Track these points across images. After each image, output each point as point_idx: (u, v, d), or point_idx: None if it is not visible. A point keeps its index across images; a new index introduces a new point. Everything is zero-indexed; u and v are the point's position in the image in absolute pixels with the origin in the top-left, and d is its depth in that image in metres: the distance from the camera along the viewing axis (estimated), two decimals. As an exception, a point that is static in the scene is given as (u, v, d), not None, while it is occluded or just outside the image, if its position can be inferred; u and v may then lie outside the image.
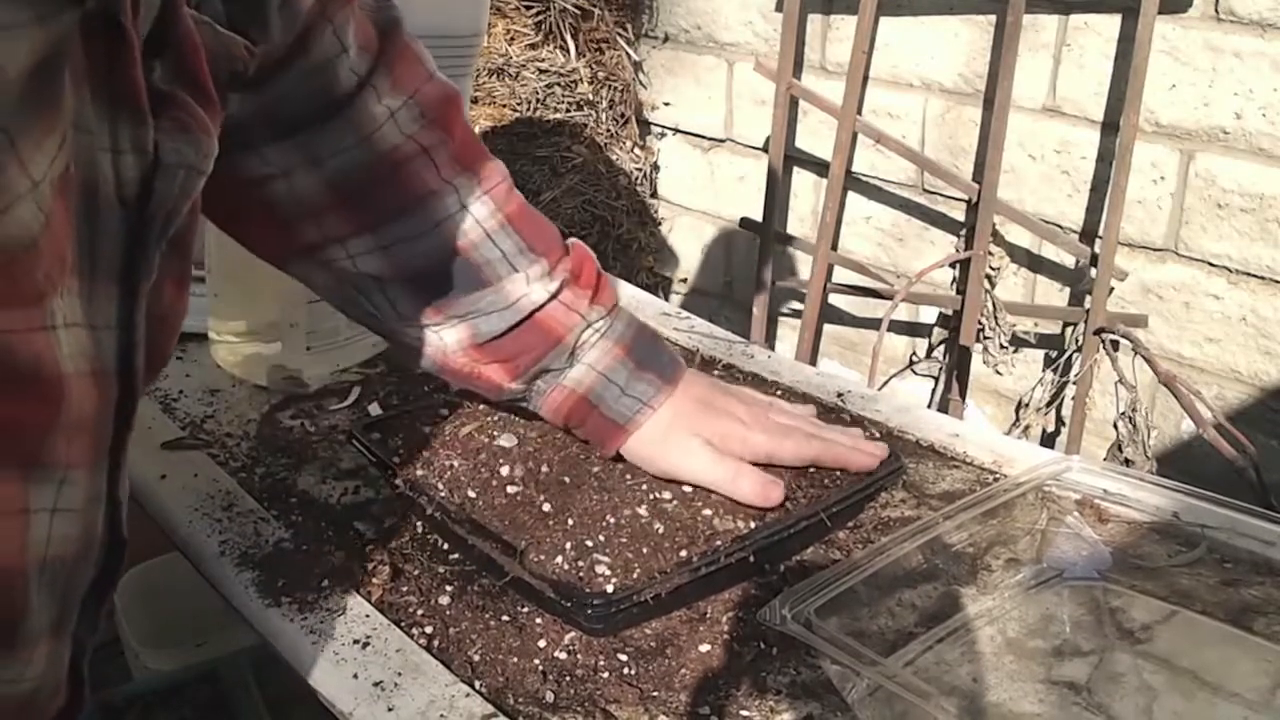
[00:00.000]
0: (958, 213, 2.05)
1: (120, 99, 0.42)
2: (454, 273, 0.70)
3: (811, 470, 0.74)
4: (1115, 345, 1.80)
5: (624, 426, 0.72)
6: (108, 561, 0.48)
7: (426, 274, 0.70)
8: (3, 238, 0.36)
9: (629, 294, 1.11)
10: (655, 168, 2.60)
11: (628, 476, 0.72)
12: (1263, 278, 1.70)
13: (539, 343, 0.71)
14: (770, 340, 2.34)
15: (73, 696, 0.50)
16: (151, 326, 0.47)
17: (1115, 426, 1.79)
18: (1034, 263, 1.98)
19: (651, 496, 0.70)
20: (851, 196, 2.20)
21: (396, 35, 0.71)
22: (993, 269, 1.97)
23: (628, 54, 2.52)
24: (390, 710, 0.57)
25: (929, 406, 2.06)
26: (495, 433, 0.75)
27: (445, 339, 0.71)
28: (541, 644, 0.62)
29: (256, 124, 0.66)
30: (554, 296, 0.71)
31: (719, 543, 0.65)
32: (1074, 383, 1.89)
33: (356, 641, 0.62)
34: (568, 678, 0.60)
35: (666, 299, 2.60)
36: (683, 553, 0.65)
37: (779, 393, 0.89)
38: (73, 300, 0.42)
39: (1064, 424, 1.94)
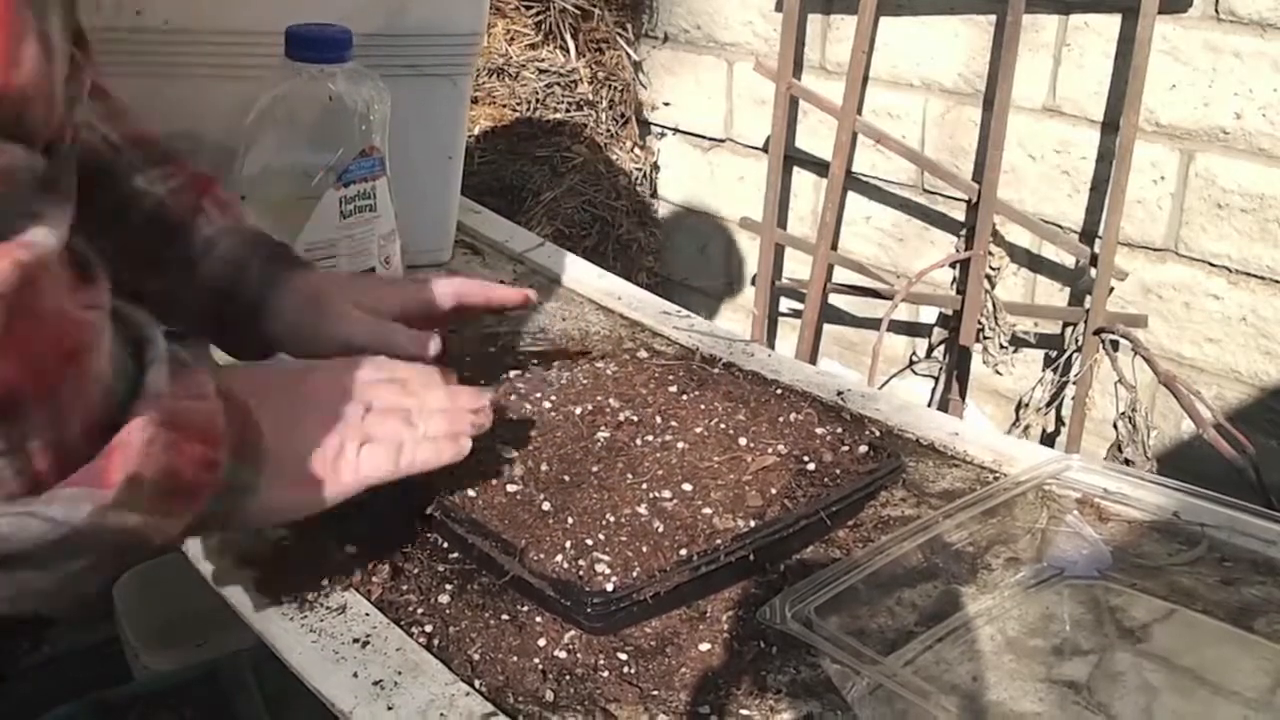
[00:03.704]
0: (958, 213, 2.05)
1: None
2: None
3: (811, 469, 0.74)
4: (1115, 345, 1.80)
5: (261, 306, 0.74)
6: None
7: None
8: None
9: (629, 293, 1.11)
10: (655, 168, 2.60)
11: (628, 476, 0.72)
12: (1263, 278, 1.70)
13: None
14: (770, 340, 2.34)
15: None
16: None
17: (1115, 426, 1.79)
18: (1034, 263, 1.98)
19: (651, 495, 0.70)
20: (851, 196, 2.20)
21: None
22: (993, 269, 1.97)
23: (628, 54, 2.52)
24: (390, 709, 0.57)
25: (929, 406, 2.06)
26: (496, 432, 0.75)
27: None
28: (541, 643, 0.62)
29: None
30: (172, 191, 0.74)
31: (719, 541, 0.65)
32: (1074, 383, 1.89)
33: (356, 640, 0.62)
34: (567, 676, 0.60)
35: (666, 299, 2.60)
36: (682, 551, 0.65)
37: (779, 391, 0.89)
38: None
39: (1064, 424, 1.94)
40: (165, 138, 0.77)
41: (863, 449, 0.77)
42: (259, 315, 0.74)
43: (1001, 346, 1.95)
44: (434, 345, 0.71)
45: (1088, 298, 1.86)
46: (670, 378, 0.85)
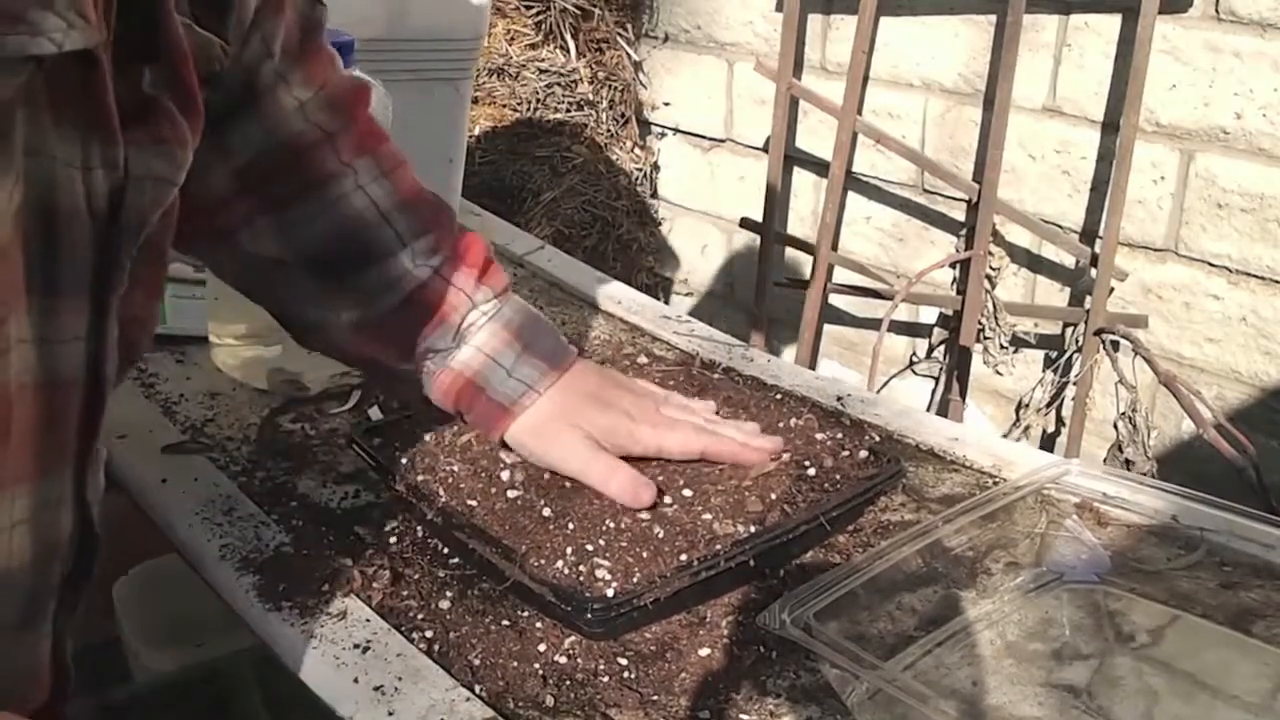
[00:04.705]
0: (958, 213, 2.05)
1: (91, 120, 0.43)
2: (348, 253, 0.72)
3: (811, 474, 0.74)
4: (1115, 345, 1.80)
5: (509, 409, 0.72)
6: (80, 557, 0.49)
7: (323, 254, 0.71)
8: None
9: (629, 298, 1.11)
10: (655, 168, 2.60)
11: (628, 480, 0.72)
12: (1263, 278, 1.70)
13: (423, 320, 0.72)
14: (770, 340, 2.34)
15: (57, 685, 0.50)
16: (125, 329, 0.48)
17: (1115, 427, 1.79)
18: (1034, 263, 1.98)
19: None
20: (851, 196, 2.20)
21: (316, 36, 0.73)
22: (993, 269, 1.97)
23: (628, 54, 2.52)
24: (390, 714, 0.57)
25: (929, 407, 2.06)
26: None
27: (342, 319, 0.73)
28: (542, 648, 0.62)
29: None
30: (437, 272, 0.72)
31: (719, 547, 0.65)
32: (1074, 383, 1.89)
33: (357, 646, 0.62)
34: (568, 682, 0.60)
35: (667, 300, 2.60)
36: (683, 557, 0.65)
37: (779, 396, 0.90)
38: (21, 318, 0.42)
39: (1064, 424, 1.94)
40: (423, 190, 0.75)
41: (863, 454, 0.77)
42: (500, 416, 0.72)
43: (1002, 347, 1.95)
44: (648, 496, 0.69)
45: (1088, 298, 1.86)
46: (670, 383, 0.85)
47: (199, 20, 0.57)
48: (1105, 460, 1.78)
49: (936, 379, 2.13)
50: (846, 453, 0.77)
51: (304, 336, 0.76)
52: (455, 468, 0.72)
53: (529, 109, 2.40)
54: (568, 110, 2.44)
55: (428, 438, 0.76)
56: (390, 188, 0.72)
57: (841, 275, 2.20)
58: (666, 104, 2.54)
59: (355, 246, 0.71)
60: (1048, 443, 1.98)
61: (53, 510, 0.47)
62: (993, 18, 1.91)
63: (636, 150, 2.57)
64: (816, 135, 2.23)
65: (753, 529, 0.68)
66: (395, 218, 0.72)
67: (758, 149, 2.36)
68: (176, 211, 0.52)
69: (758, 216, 2.25)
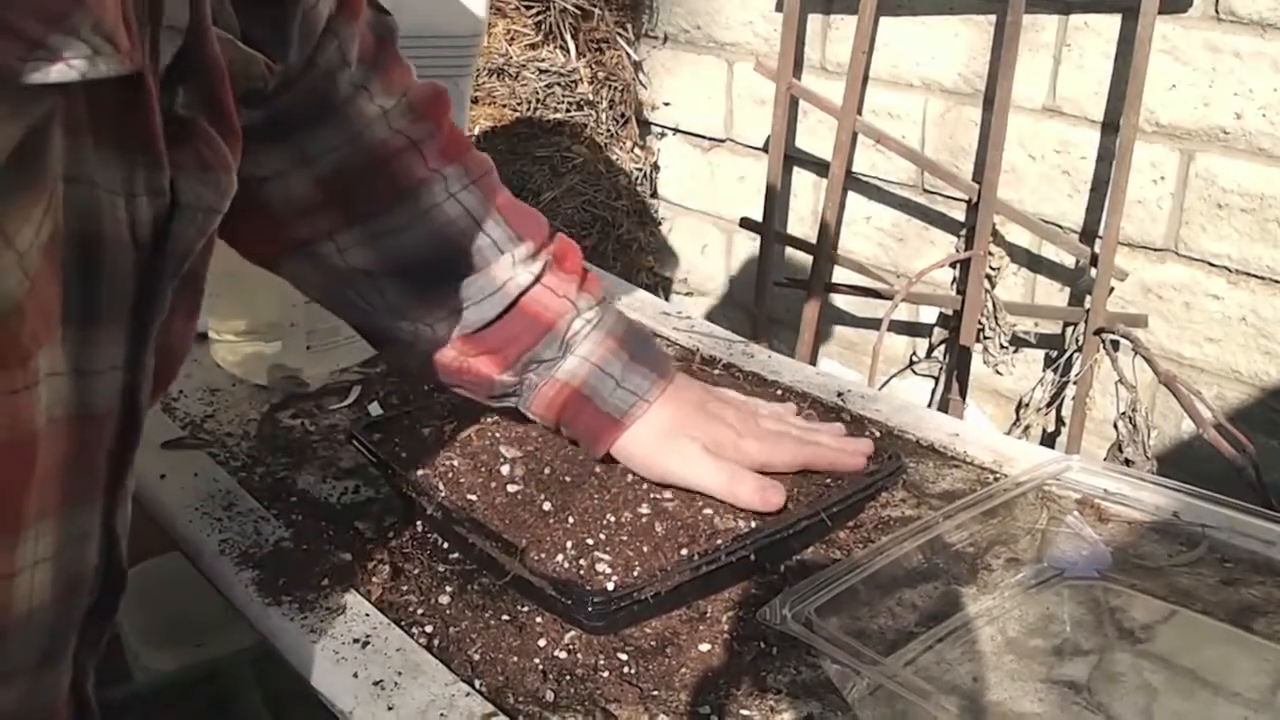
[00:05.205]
0: (958, 213, 2.05)
1: (136, 145, 0.41)
2: (442, 261, 0.70)
3: (812, 470, 0.74)
4: (1115, 345, 1.80)
5: (619, 421, 0.70)
6: (104, 591, 0.47)
7: (415, 264, 0.70)
8: None
9: (628, 292, 1.11)
10: (655, 168, 2.60)
11: (628, 476, 0.71)
12: (1263, 278, 1.70)
13: (528, 330, 0.70)
14: (770, 340, 2.34)
15: (77, 718, 0.49)
16: (159, 357, 0.46)
17: (1115, 426, 1.79)
18: (1034, 263, 1.98)
19: (652, 496, 0.70)
20: (851, 196, 2.20)
21: (392, 43, 0.71)
22: (993, 269, 1.97)
23: (628, 54, 2.52)
24: (390, 709, 0.57)
25: (929, 406, 2.06)
26: (496, 433, 0.75)
27: (436, 331, 0.70)
28: (542, 643, 0.62)
29: (258, 130, 0.65)
30: (538, 279, 0.70)
31: (719, 541, 0.65)
32: (1074, 383, 1.89)
33: (356, 640, 0.62)
34: (568, 677, 0.60)
35: (667, 299, 2.60)
36: (683, 551, 0.65)
37: (779, 392, 0.89)
38: (55, 350, 0.41)
39: (1064, 424, 1.94)
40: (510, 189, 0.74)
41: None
42: (610, 429, 0.70)
43: (1002, 346, 1.95)
44: (778, 499, 0.68)
45: (1088, 298, 1.86)
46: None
47: (246, 34, 0.56)
48: (1105, 460, 1.78)
49: (936, 379, 2.13)
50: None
51: (392, 351, 0.74)
52: (455, 462, 0.72)
53: (529, 109, 2.40)
54: (568, 110, 2.44)
55: (427, 433, 0.76)
56: (481, 195, 0.71)
57: (841, 275, 2.20)
58: (666, 104, 2.54)
59: (451, 255, 0.69)
60: (1048, 442, 1.98)
61: (78, 545, 0.45)
62: (993, 18, 1.91)
63: (636, 150, 2.57)
64: (816, 135, 2.23)
65: (753, 524, 0.68)
66: (490, 225, 0.70)
67: (758, 149, 2.36)
68: (216, 237, 0.51)
69: (758, 216, 2.25)
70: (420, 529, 0.72)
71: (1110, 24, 1.78)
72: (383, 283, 0.70)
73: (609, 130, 2.51)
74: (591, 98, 2.47)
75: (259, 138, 0.66)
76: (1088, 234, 1.88)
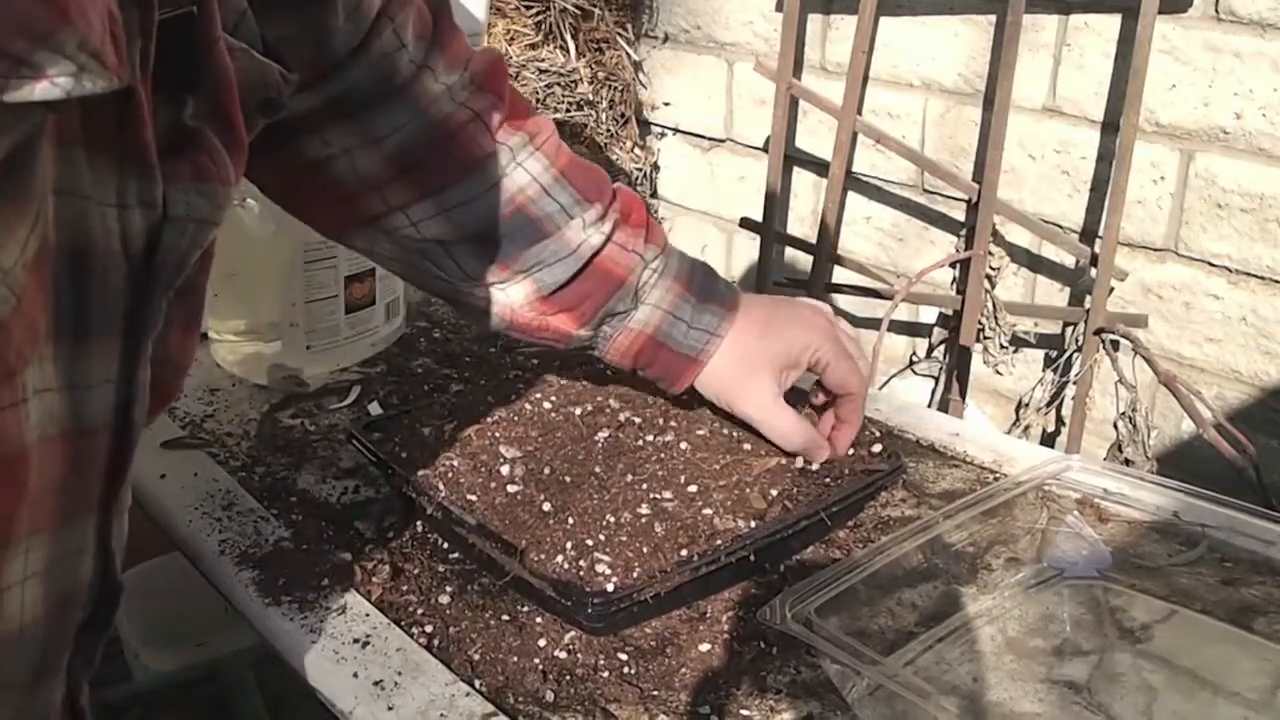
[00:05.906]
0: (958, 213, 2.05)
1: (128, 157, 0.41)
2: (515, 228, 0.72)
3: (812, 470, 0.74)
4: (1115, 345, 1.80)
5: (696, 359, 0.75)
6: (98, 606, 0.47)
7: (488, 232, 0.72)
8: None
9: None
10: (655, 168, 2.60)
11: (628, 476, 0.72)
12: (1263, 278, 1.70)
13: (601, 287, 0.73)
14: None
15: None
16: (158, 370, 0.46)
17: (1115, 426, 1.79)
18: (1034, 263, 1.98)
19: (652, 496, 0.69)
20: (851, 196, 2.20)
21: (447, 18, 0.73)
22: (993, 269, 1.97)
23: (628, 54, 2.52)
24: (390, 709, 0.57)
25: (929, 406, 2.06)
26: (496, 432, 0.75)
27: (511, 295, 0.74)
28: (542, 643, 0.62)
29: (318, 112, 0.68)
30: (609, 239, 0.73)
31: (719, 542, 0.65)
32: (1074, 383, 1.89)
33: (356, 640, 0.62)
34: (568, 677, 0.60)
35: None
36: (683, 552, 0.65)
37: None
38: (46, 366, 0.40)
39: (1064, 424, 1.94)
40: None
41: (863, 450, 0.77)
42: (688, 367, 0.76)
43: (1002, 346, 1.95)
44: (822, 455, 0.75)
45: (1088, 298, 1.86)
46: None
47: (271, 37, 0.56)
48: (1105, 459, 1.78)
49: (936, 379, 2.13)
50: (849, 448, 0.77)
51: (471, 314, 0.77)
52: (455, 462, 0.72)
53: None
54: (568, 110, 2.44)
55: (427, 432, 0.76)
56: (546, 160, 0.74)
57: (841, 275, 2.20)
58: (666, 104, 2.53)
59: (522, 223, 0.72)
60: (1048, 442, 1.98)
61: (72, 560, 0.45)
62: (992, 18, 1.91)
63: (636, 150, 2.56)
64: (816, 135, 2.23)
65: (753, 524, 0.68)
66: (558, 190, 0.73)
67: (758, 149, 2.36)
68: (213, 248, 0.50)
69: (758, 216, 2.25)
70: (420, 529, 0.72)
71: (1110, 24, 1.78)
72: (457, 251, 0.73)
73: (609, 130, 2.51)
74: (591, 98, 2.46)
75: (323, 116, 0.68)
76: (1088, 234, 1.88)
